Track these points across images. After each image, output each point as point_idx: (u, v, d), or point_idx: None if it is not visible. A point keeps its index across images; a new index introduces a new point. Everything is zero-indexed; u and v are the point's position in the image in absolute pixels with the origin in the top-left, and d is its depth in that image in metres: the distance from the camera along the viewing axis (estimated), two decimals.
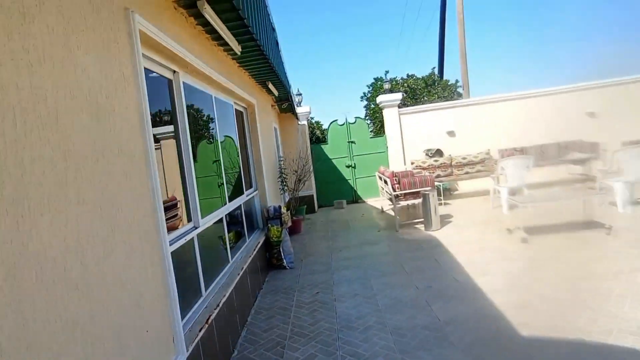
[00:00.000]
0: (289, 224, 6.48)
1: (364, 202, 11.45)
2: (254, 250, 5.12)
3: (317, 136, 13.30)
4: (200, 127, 4.05)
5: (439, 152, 10.49)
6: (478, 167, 9.79)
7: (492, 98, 10.98)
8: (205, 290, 3.41)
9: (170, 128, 3.22)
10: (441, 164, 9.87)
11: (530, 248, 5.22)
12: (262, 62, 5.37)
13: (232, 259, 4.40)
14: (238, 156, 5.51)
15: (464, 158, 9.90)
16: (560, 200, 5.70)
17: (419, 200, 7.12)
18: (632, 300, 3.41)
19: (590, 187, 7.68)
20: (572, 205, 6.18)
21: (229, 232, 4.53)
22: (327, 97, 37.89)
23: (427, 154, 10.51)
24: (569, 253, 4.82)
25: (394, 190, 7.28)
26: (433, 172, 9.78)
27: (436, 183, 8.78)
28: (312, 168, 10.97)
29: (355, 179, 11.46)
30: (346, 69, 41.50)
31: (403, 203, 7.27)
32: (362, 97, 14.76)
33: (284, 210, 6.44)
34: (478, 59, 35.02)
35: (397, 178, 7.35)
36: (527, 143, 10.45)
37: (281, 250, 5.88)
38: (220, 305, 3.32)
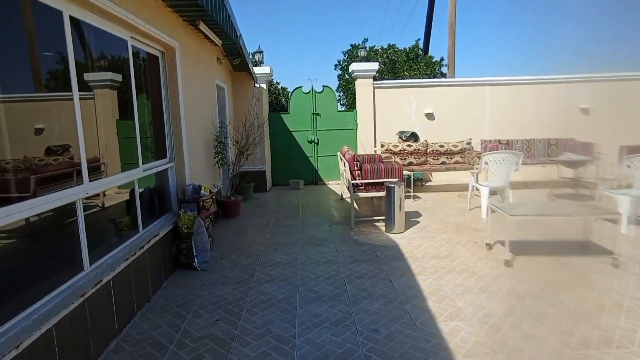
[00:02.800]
0: (211, 210, 4.99)
1: (324, 184, 10.04)
2: (145, 245, 3.64)
3: (283, 104, 11.68)
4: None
5: (414, 136, 9.12)
6: (457, 158, 8.49)
7: (480, 80, 9.62)
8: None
9: None
10: (415, 149, 8.51)
11: (515, 276, 3.94)
12: None
13: (94, 263, 2.89)
14: (145, 116, 3.91)
15: (441, 146, 8.57)
16: (557, 216, 4.43)
17: (382, 194, 5.74)
18: None
19: (586, 196, 6.54)
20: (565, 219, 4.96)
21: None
22: (302, 64, 34.80)
23: (400, 137, 9.12)
24: (566, 292, 3.56)
25: (353, 178, 5.86)
26: (405, 159, 8.43)
27: (406, 172, 7.44)
28: (267, 139, 9.41)
29: (317, 156, 9.99)
30: (324, 35, 38.27)
31: (362, 195, 5.87)
32: (335, 66, 13.12)
33: (204, 191, 4.91)
34: (468, 36, 32.41)
35: (358, 163, 5.92)
36: (513, 136, 9.23)
37: (192, 245, 4.41)
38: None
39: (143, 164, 4.02)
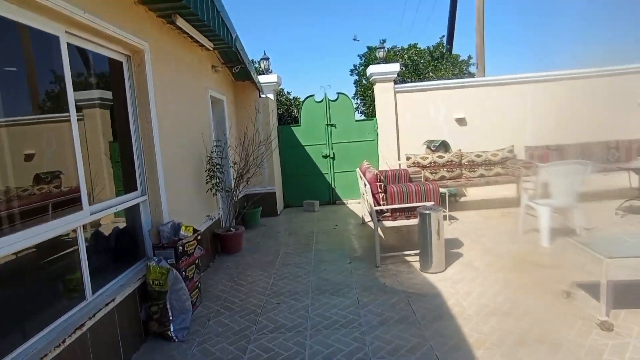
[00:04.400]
0: (196, 254, 3.90)
1: (343, 203, 8.88)
2: (93, 317, 2.56)
3: (295, 116, 10.64)
4: None
5: (444, 146, 7.88)
6: (497, 169, 7.20)
7: (516, 78, 8.35)
8: None
9: None
10: (447, 161, 7.27)
11: (621, 347, 2.68)
12: None
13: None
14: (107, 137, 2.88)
15: (478, 156, 7.30)
16: None
17: (414, 222, 4.55)
18: None
19: None
20: None
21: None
22: (316, 71, 33.52)
23: (428, 147, 7.90)
24: None
25: (377, 203, 4.69)
26: (435, 173, 7.20)
27: (441, 190, 6.21)
28: (276, 156, 8.36)
29: (334, 173, 8.85)
30: (338, 39, 36.77)
31: (389, 224, 4.68)
32: (352, 71, 12.01)
33: (186, 231, 3.84)
34: (496, 32, 30.08)
35: (382, 184, 4.75)
36: (561, 139, 7.86)
37: (167, 306, 3.32)
38: None
39: (95, 202, 2.98)
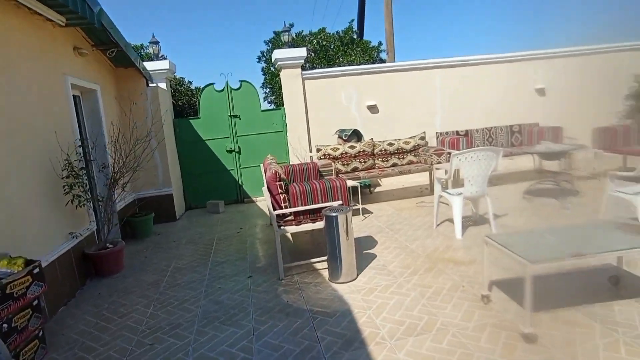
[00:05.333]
0: (31, 295, 2.90)
1: (252, 201, 8.12)
2: None
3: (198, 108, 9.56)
4: None
5: (356, 135, 7.45)
6: (410, 157, 6.92)
7: (427, 63, 8.17)
8: None
9: None
10: (360, 151, 6.83)
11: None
12: None
13: None
14: None
15: (390, 144, 6.96)
16: (601, 254, 2.84)
17: (320, 225, 3.95)
18: None
19: (570, 191, 5.20)
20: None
21: None
22: (222, 59, 31.60)
23: (340, 137, 7.42)
24: None
25: (277, 206, 4.02)
26: (348, 164, 6.73)
27: (351, 182, 5.73)
28: (170, 153, 7.33)
29: (241, 168, 8.04)
30: (245, 24, 34.95)
31: (292, 229, 4.03)
32: (259, 58, 11.16)
33: (10, 266, 2.84)
34: (407, 20, 30.74)
35: (283, 183, 4.09)
36: (469, 125, 7.87)
37: None
38: None
39: None
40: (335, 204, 3.97)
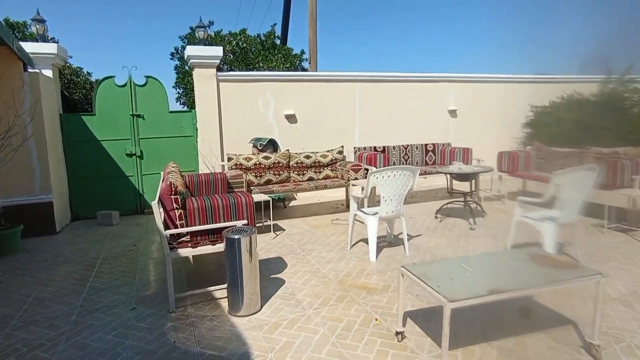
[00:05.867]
0: None
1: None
2: None
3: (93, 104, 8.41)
4: None
5: (272, 145, 7.00)
6: (327, 171, 6.66)
7: (349, 76, 8.04)
8: None
9: None
10: (274, 163, 6.40)
11: None
12: None
13: None
14: None
15: (307, 157, 6.63)
16: (521, 291, 2.69)
17: (221, 247, 3.42)
18: None
19: (475, 211, 5.27)
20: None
21: None
22: (133, 54, 28.99)
23: (255, 146, 6.92)
24: None
25: (171, 224, 3.41)
26: (261, 176, 6.26)
27: (262, 197, 5.28)
28: (57, 152, 6.24)
29: (142, 175, 7.13)
30: (162, 19, 32.68)
31: (185, 252, 3.44)
32: (172, 55, 10.25)
33: None
34: (335, 28, 30.87)
35: (180, 196, 3.50)
36: (387, 142, 7.87)
37: None
38: None
39: None
40: (240, 223, 3.48)
